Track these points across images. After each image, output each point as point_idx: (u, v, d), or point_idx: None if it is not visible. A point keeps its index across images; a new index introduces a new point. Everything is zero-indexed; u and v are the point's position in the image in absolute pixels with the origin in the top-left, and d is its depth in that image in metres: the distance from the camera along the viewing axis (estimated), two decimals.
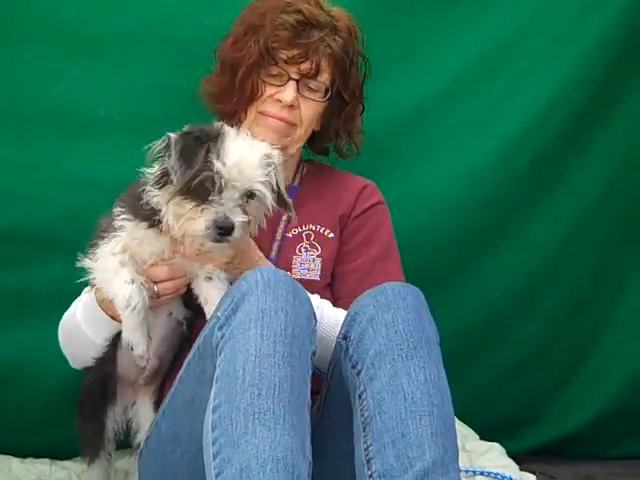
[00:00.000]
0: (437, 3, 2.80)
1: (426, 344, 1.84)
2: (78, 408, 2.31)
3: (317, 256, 2.32)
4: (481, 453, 2.60)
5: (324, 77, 2.29)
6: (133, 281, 2.02)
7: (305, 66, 2.26)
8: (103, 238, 2.06)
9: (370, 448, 1.77)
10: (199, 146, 1.94)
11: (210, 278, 2.07)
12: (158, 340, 2.19)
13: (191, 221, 1.93)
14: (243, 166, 1.94)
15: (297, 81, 2.26)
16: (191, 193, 1.93)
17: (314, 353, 1.85)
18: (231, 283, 2.08)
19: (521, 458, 2.70)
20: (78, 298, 2.25)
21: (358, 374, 1.85)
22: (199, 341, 1.97)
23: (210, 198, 1.93)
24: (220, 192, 1.93)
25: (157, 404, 2.30)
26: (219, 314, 1.86)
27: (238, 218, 1.93)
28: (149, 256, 2.06)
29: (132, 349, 2.05)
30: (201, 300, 2.08)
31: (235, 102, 2.32)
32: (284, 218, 2.34)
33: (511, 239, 2.89)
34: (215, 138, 1.96)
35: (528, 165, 2.84)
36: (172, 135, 1.96)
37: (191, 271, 2.08)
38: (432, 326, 1.90)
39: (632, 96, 2.85)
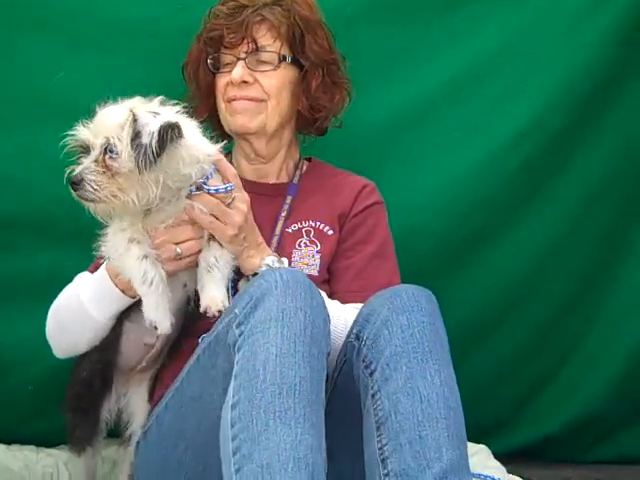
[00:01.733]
0: (434, 8, 2.81)
1: (440, 348, 1.88)
2: (73, 401, 2.27)
3: (317, 252, 2.33)
4: (470, 455, 2.62)
5: (274, 47, 2.31)
6: (146, 257, 2.03)
7: (246, 44, 2.30)
8: None
9: (385, 447, 1.80)
10: None
11: (209, 270, 2.07)
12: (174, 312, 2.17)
13: None
14: (97, 125, 1.97)
15: (244, 59, 2.30)
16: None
17: (328, 354, 1.87)
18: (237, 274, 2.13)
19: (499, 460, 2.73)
20: (73, 283, 2.24)
21: (371, 374, 1.87)
22: (210, 337, 1.98)
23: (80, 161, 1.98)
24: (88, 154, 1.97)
25: (151, 394, 2.30)
26: (237, 311, 1.87)
27: (87, 171, 1.94)
28: (162, 220, 2.06)
29: (156, 328, 2.03)
30: (198, 287, 2.09)
31: (200, 103, 2.40)
32: (283, 214, 2.36)
33: (501, 242, 2.91)
34: None
35: (519, 169, 2.87)
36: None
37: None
38: (444, 330, 1.93)
39: (624, 103, 2.88)
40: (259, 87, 2.31)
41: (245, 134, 2.36)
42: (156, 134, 1.91)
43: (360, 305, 2.10)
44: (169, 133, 1.93)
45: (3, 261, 2.67)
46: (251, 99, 2.31)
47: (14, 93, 2.63)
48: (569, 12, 2.85)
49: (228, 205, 2.06)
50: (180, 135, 1.95)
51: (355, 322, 1.97)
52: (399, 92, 2.82)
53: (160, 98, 2.04)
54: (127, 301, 2.12)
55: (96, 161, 1.95)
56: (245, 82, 2.30)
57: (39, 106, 2.63)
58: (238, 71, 2.29)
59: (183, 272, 2.13)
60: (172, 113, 2.01)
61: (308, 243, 2.34)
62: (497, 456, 2.74)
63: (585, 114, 2.88)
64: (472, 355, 2.86)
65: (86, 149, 1.98)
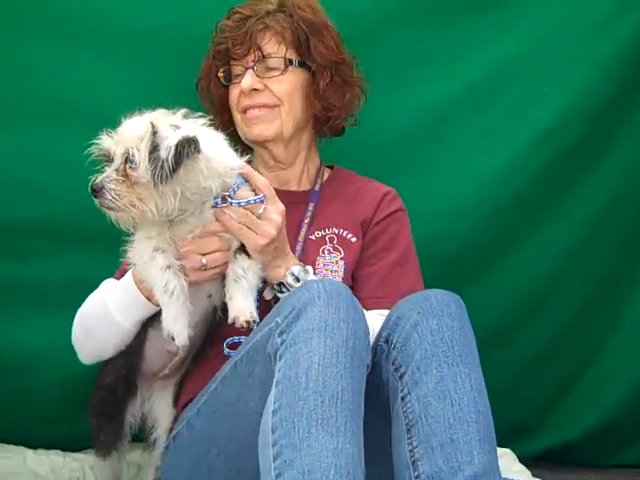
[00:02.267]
0: (456, 13, 2.82)
1: (470, 352, 1.89)
2: (98, 407, 2.28)
3: (340, 258, 2.34)
4: None
5: (279, 53, 2.33)
6: (169, 267, 2.04)
7: (252, 54, 2.32)
8: None
9: (416, 450, 1.81)
10: None
11: (237, 280, 2.08)
12: (194, 323, 2.18)
13: None
14: (119, 135, 1.99)
15: (253, 68, 2.32)
16: None
17: (368, 366, 1.89)
18: (265, 281, 2.14)
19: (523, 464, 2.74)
20: (100, 289, 2.25)
21: (401, 377, 1.89)
22: (248, 345, 1.99)
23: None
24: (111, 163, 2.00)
25: (175, 399, 2.31)
26: (279, 320, 1.88)
27: (107, 180, 1.97)
28: (190, 230, 2.07)
29: (173, 339, 2.04)
30: (226, 298, 2.09)
31: (218, 118, 2.39)
32: (306, 221, 2.37)
33: (524, 246, 2.92)
34: None
35: (540, 174, 2.87)
36: None
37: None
38: (473, 334, 1.94)
39: None
40: (270, 93, 2.33)
41: (263, 142, 2.37)
42: (173, 149, 1.93)
43: (383, 311, 2.14)
44: (186, 148, 1.94)
45: (27, 267, 2.68)
46: (264, 106, 2.33)
47: (31, 98, 2.64)
48: (591, 18, 2.86)
49: (259, 216, 2.07)
50: (197, 150, 1.96)
51: (384, 326, 1.98)
52: (421, 97, 2.83)
53: (184, 111, 2.05)
54: (152, 308, 2.13)
55: (117, 170, 1.98)
56: (255, 90, 2.32)
57: (55, 112, 2.64)
58: (247, 80, 2.32)
59: (208, 283, 2.14)
60: (193, 127, 2.03)
61: (332, 250, 2.35)
62: (521, 460, 2.76)
63: (607, 118, 2.89)
64: (495, 359, 2.85)
65: (109, 158, 2.00)
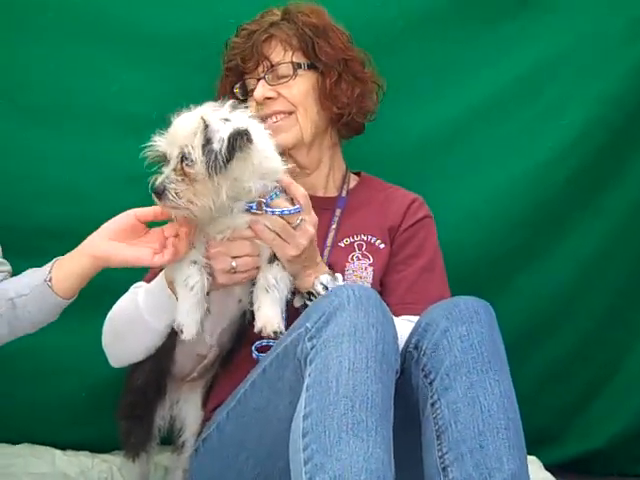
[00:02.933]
0: (481, 22, 2.83)
1: (499, 359, 1.90)
2: (128, 409, 2.30)
3: (369, 265, 2.35)
4: None
5: (286, 59, 2.35)
6: (195, 262, 2.05)
7: (261, 65, 2.35)
8: None
9: (446, 456, 1.81)
10: None
11: (268, 290, 2.09)
12: (223, 327, 2.20)
13: None
14: (172, 135, 2.00)
15: (264, 78, 2.34)
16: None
17: (397, 371, 1.89)
18: (295, 293, 2.15)
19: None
20: (130, 292, 2.27)
21: (431, 383, 1.89)
22: (277, 349, 2.00)
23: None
24: (168, 163, 2.00)
25: (204, 402, 2.33)
26: (308, 325, 1.89)
27: (167, 180, 1.98)
28: (220, 231, 2.08)
29: (181, 332, 2.05)
30: (255, 307, 2.10)
31: None
32: (334, 226, 2.38)
33: (544, 257, 2.92)
34: None
35: (565, 183, 2.88)
36: None
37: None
38: (502, 341, 1.95)
39: None
40: (283, 100, 2.35)
41: (285, 150, 2.36)
42: (226, 140, 1.95)
43: (412, 317, 2.14)
44: (238, 140, 1.96)
45: None
46: (280, 112, 2.35)
47: (71, 102, 2.68)
48: (613, 31, 2.86)
49: (294, 227, 2.07)
50: (250, 140, 1.98)
51: (413, 332, 1.98)
52: (441, 108, 2.84)
53: (231, 102, 2.07)
54: None
55: (174, 170, 1.99)
56: (269, 98, 2.34)
57: (93, 115, 2.68)
58: (259, 90, 2.34)
59: (239, 287, 2.15)
60: (244, 118, 2.04)
61: (360, 257, 2.36)
62: (546, 467, 2.75)
63: (632, 128, 2.89)
64: (519, 366, 2.84)
65: (165, 159, 2.01)
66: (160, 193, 1.98)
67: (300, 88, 2.36)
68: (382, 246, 2.38)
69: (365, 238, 2.38)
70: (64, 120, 2.68)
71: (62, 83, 2.67)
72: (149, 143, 2.02)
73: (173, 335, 2.19)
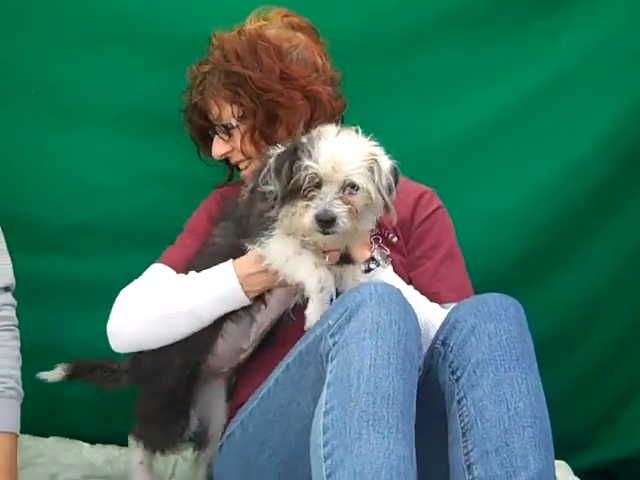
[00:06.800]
0: (508, 24, 2.82)
1: (528, 356, 1.88)
2: (158, 413, 2.28)
3: (387, 256, 2.32)
4: None
5: (226, 115, 2.32)
6: (318, 265, 2.07)
7: (212, 112, 2.34)
8: (265, 225, 2.09)
9: (471, 454, 1.80)
10: (287, 157, 2.01)
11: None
12: (271, 319, 2.23)
13: (299, 218, 1.99)
14: (337, 160, 1.99)
15: (217, 134, 2.34)
16: (295, 196, 1.99)
17: (420, 368, 1.89)
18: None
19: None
20: (176, 281, 2.23)
21: (457, 380, 1.88)
22: (300, 347, 2.00)
23: (311, 195, 1.98)
24: (319, 188, 1.98)
25: (229, 398, 2.35)
26: (330, 322, 1.89)
27: (338, 209, 1.97)
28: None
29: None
30: (306, 312, 2.08)
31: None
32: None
33: (573, 259, 2.91)
34: (305, 144, 2.01)
35: (593, 185, 2.86)
36: (270, 159, 2.05)
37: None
38: (531, 339, 1.93)
39: None
40: (238, 152, 2.34)
41: None
42: (391, 175, 2.04)
43: (440, 306, 2.17)
44: (397, 173, 2.06)
45: (87, 265, 2.78)
46: (242, 161, 2.35)
47: (101, 104, 2.73)
48: None
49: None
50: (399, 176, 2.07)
51: (441, 329, 1.98)
52: (471, 109, 2.83)
53: (355, 128, 2.08)
54: (244, 303, 2.15)
55: (341, 198, 1.99)
56: (231, 151, 2.34)
57: (122, 116, 2.73)
58: (215, 150, 2.36)
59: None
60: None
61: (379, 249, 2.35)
62: (576, 473, 2.74)
63: None
64: (550, 373, 2.82)
65: (320, 182, 2.00)
66: (331, 222, 1.97)
67: (247, 136, 2.31)
68: (395, 239, 2.36)
69: (380, 232, 2.35)
70: (94, 121, 2.74)
71: (93, 85, 2.72)
72: (307, 163, 1.99)
73: (218, 328, 2.20)
